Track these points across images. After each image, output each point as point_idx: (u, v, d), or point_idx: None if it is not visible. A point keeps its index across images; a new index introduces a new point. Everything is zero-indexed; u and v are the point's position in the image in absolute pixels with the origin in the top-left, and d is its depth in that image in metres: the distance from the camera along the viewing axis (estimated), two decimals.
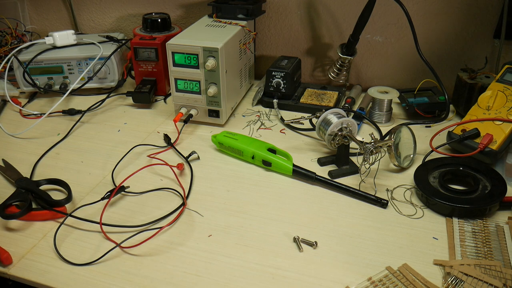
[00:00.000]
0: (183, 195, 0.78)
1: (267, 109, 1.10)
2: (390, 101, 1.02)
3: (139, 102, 1.10)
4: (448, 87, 1.05)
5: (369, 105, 1.06)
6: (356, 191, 0.77)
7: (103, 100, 1.12)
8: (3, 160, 0.88)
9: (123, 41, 1.23)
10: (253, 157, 0.86)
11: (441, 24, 1.10)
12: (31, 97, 1.16)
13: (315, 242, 0.67)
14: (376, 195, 0.76)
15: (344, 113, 0.87)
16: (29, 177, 0.83)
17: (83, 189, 0.80)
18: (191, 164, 0.87)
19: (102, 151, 0.92)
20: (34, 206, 0.74)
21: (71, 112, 1.07)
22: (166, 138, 0.95)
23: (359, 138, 0.83)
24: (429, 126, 1.01)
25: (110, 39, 1.23)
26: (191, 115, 1.00)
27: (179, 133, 0.96)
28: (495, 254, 0.64)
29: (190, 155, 0.89)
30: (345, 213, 0.74)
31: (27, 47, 1.16)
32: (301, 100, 1.10)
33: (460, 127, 0.88)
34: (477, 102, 0.90)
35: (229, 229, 0.71)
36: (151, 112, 1.09)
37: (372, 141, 0.78)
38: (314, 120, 0.98)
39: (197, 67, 0.94)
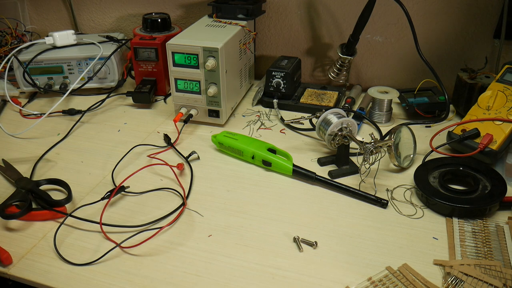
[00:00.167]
0: (183, 195, 0.78)
1: (267, 109, 1.10)
2: (390, 101, 1.02)
3: (139, 102, 1.10)
4: (448, 87, 1.05)
5: (369, 105, 1.06)
6: (356, 191, 0.77)
7: (103, 100, 1.12)
8: (3, 160, 0.88)
9: (123, 41, 1.23)
10: (253, 157, 0.86)
11: (441, 24, 1.10)
12: (31, 97, 1.16)
13: (315, 242, 0.67)
14: (376, 195, 0.76)
15: (344, 113, 0.87)
16: (29, 177, 0.83)
17: (83, 189, 0.80)
18: (191, 164, 0.87)
19: (102, 151, 0.92)
20: (34, 206, 0.74)
21: (71, 112, 1.07)
22: (166, 138, 0.95)
23: (359, 138, 0.83)
24: (429, 126, 1.01)
25: (110, 39, 1.23)
26: (191, 115, 1.00)
27: (179, 133, 0.96)
28: (495, 254, 0.64)
29: (190, 155, 0.89)
30: (345, 213, 0.74)
31: (27, 47, 1.16)
32: (301, 100, 1.10)
33: (460, 127, 0.88)
34: (477, 102, 0.90)
35: (229, 229, 0.71)
36: (151, 112, 1.09)
37: (372, 141, 0.78)
38: (314, 120, 0.98)
39: (197, 67, 0.94)
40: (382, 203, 0.75)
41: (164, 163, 0.85)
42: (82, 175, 0.84)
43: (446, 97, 1.01)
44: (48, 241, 0.68)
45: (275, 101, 1.08)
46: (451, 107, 1.06)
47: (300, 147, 0.94)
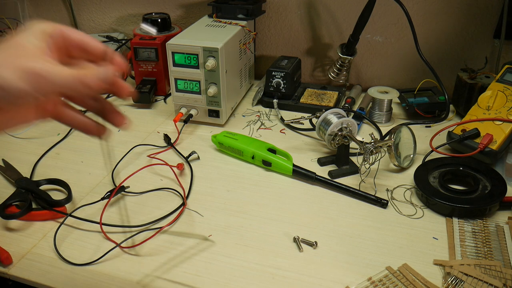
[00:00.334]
0: (183, 195, 0.78)
1: (267, 109, 1.10)
2: (390, 101, 1.02)
3: (139, 102, 1.10)
4: (448, 87, 1.05)
5: (369, 105, 1.06)
6: (356, 191, 0.77)
7: None
8: (3, 160, 0.88)
9: (123, 41, 1.23)
10: (253, 157, 0.86)
11: (441, 24, 1.10)
12: None
13: (315, 242, 0.67)
14: (376, 195, 0.76)
15: (344, 113, 0.87)
16: (29, 177, 0.83)
17: (83, 189, 0.80)
18: (191, 164, 0.87)
19: (102, 151, 0.92)
20: (34, 206, 0.74)
21: None
22: (166, 138, 0.95)
23: (359, 138, 0.83)
24: (429, 126, 1.01)
25: (110, 39, 1.23)
26: (191, 115, 1.00)
27: (179, 133, 0.96)
28: (495, 254, 0.64)
29: (190, 155, 0.89)
30: (345, 213, 0.74)
31: None
32: (301, 100, 1.10)
33: (460, 127, 0.88)
34: (477, 102, 0.90)
35: (229, 229, 0.71)
36: (151, 112, 1.09)
37: (372, 141, 0.78)
38: (314, 120, 0.98)
39: (197, 67, 0.94)
40: (382, 203, 0.75)
41: (164, 163, 0.85)
42: (82, 175, 0.84)
43: (446, 97, 1.01)
44: (48, 241, 0.68)
45: (275, 101, 1.08)
46: (451, 107, 1.06)
47: (300, 147, 0.94)
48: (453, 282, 0.59)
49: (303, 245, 0.67)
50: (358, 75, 1.23)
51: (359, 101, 1.12)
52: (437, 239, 0.68)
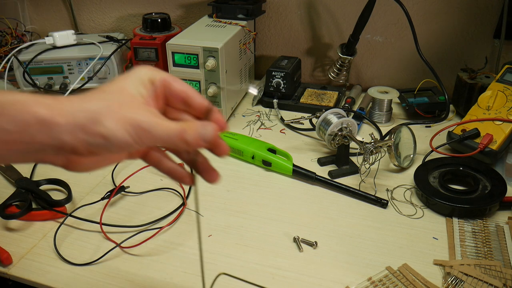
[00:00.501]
0: (183, 195, 0.78)
1: (267, 109, 1.10)
2: (390, 101, 1.02)
3: None
4: (448, 87, 1.05)
5: (369, 105, 1.06)
6: (356, 191, 0.77)
7: None
8: None
9: (123, 41, 1.23)
10: (253, 157, 0.86)
11: (441, 24, 1.10)
12: None
13: (315, 242, 0.67)
14: (376, 195, 0.76)
15: (344, 113, 0.87)
16: (29, 177, 0.83)
17: (83, 189, 0.80)
18: None
19: None
20: (34, 206, 0.74)
21: None
22: None
23: (359, 138, 0.83)
24: (429, 126, 1.01)
25: (110, 39, 1.23)
26: None
27: None
28: (495, 254, 0.64)
29: None
30: (345, 213, 0.74)
31: (27, 47, 1.16)
32: (301, 100, 1.10)
33: (460, 127, 0.88)
34: (477, 102, 0.90)
35: (229, 229, 0.71)
36: None
37: (372, 141, 0.78)
38: (314, 120, 0.98)
39: (197, 67, 0.94)
40: (382, 203, 0.75)
41: None
42: (82, 175, 0.84)
43: (446, 97, 1.01)
44: (48, 241, 0.68)
45: (275, 101, 1.08)
46: (451, 107, 1.06)
47: (300, 147, 0.94)
48: (453, 282, 0.59)
49: (303, 245, 0.67)
50: (358, 75, 1.23)
51: (359, 101, 1.12)
52: (437, 239, 0.68)
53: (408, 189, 0.80)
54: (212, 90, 0.94)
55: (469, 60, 1.10)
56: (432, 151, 0.87)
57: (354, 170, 0.84)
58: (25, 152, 0.35)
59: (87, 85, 1.13)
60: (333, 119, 0.84)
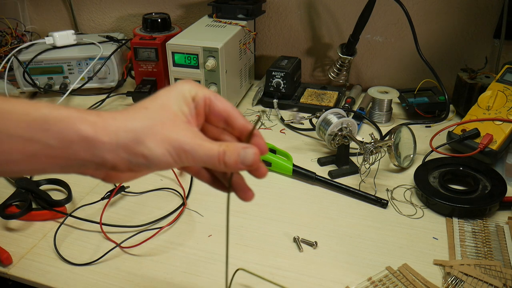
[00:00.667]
0: (183, 195, 0.78)
1: (267, 109, 1.10)
2: (390, 101, 1.02)
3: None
4: (448, 87, 1.05)
5: (369, 105, 1.06)
6: (356, 191, 0.77)
7: (103, 100, 1.12)
8: None
9: (123, 41, 1.23)
10: None
11: (441, 24, 1.10)
12: (31, 97, 1.16)
13: (315, 242, 0.67)
14: (376, 195, 0.76)
15: (344, 113, 0.87)
16: (29, 177, 0.83)
17: (83, 189, 0.80)
18: None
19: None
20: (34, 206, 0.74)
21: None
22: None
23: (359, 138, 0.83)
24: (429, 126, 1.01)
25: (110, 39, 1.23)
26: None
27: None
28: (495, 254, 0.64)
29: None
30: (345, 213, 0.74)
31: (27, 47, 1.16)
32: (301, 100, 1.10)
33: (460, 127, 0.88)
34: (477, 102, 0.90)
35: (229, 229, 0.70)
36: None
37: (372, 141, 0.78)
38: (314, 120, 0.98)
39: (197, 67, 0.94)
40: (382, 203, 0.75)
41: None
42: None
43: (446, 97, 1.01)
44: (48, 241, 0.68)
45: (275, 101, 1.08)
46: (451, 107, 1.06)
47: (300, 147, 0.94)
48: (453, 282, 0.59)
49: (303, 245, 0.67)
50: (358, 75, 1.23)
51: (359, 101, 1.12)
52: (437, 239, 0.68)
53: (408, 189, 0.80)
54: (212, 90, 0.94)
55: (469, 60, 1.10)
56: (432, 151, 0.87)
57: (354, 170, 0.84)
58: (67, 166, 0.36)
59: (87, 85, 1.13)
60: (333, 119, 0.84)
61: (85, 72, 1.11)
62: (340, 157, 0.85)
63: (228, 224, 0.47)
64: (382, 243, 0.67)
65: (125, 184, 0.78)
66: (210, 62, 0.91)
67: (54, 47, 1.14)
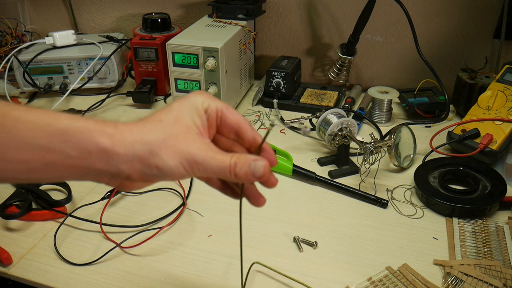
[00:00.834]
0: (183, 195, 0.78)
1: (267, 109, 1.10)
2: (390, 101, 1.02)
3: (139, 102, 1.10)
4: (448, 87, 1.05)
5: (369, 105, 1.06)
6: (356, 191, 0.77)
7: (103, 100, 1.12)
8: None
9: (123, 41, 1.23)
10: None
11: (441, 24, 1.10)
12: (31, 97, 1.16)
13: (315, 242, 0.67)
14: (376, 195, 0.76)
15: (344, 113, 0.87)
16: None
17: (83, 189, 0.80)
18: None
19: None
20: (34, 206, 0.74)
21: (71, 112, 1.07)
22: None
23: (359, 138, 0.83)
24: (429, 126, 1.01)
25: (110, 39, 1.23)
26: None
27: None
28: (495, 254, 0.64)
29: None
30: (345, 213, 0.74)
31: (27, 47, 1.16)
32: (301, 100, 1.10)
33: (460, 127, 0.88)
34: (477, 102, 0.90)
35: (229, 229, 0.70)
36: (151, 112, 1.09)
37: (372, 141, 0.78)
38: (314, 120, 0.98)
39: (197, 67, 0.94)
40: (382, 203, 0.75)
41: None
42: None
43: (446, 97, 1.01)
44: (48, 241, 0.68)
45: (275, 101, 1.08)
46: (451, 107, 1.06)
47: (300, 147, 0.94)
48: (453, 282, 0.59)
49: (303, 245, 0.67)
50: (358, 75, 1.23)
51: (359, 101, 1.12)
52: (437, 239, 0.68)
53: (408, 189, 0.80)
54: (212, 90, 0.94)
55: (469, 60, 1.10)
56: (432, 151, 0.87)
57: (354, 170, 0.84)
58: (84, 174, 0.38)
59: (87, 85, 1.13)
60: (333, 119, 0.84)
61: (85, 72, 1.11)
62: (340, 157, 0.85)
63: (241, 229, 0.50)
64: (382, 243, 0.67)
65: None
66: (210, 62, 0.91)
67: (54, 47, 1.14)
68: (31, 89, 1.14)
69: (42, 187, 0.79)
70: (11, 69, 1.10)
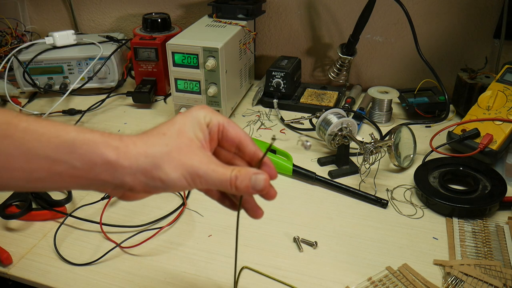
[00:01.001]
0: (183, 195, 0.78)
1: (267, 109, 1.10)
2: (390, 101, 1.02)
3: (139, 102, 1.10)
4: (448, 87, 1.05)
5: (369, 105, 1.06)
6: (356, 191, 0.77)
7: (103, 100, 1.12)
8: None
9: (123, 41, 1.23)
10: None
11: (441, 24, 1.10)
12: (31, 97, 1.16)
13: (315, 242, 0.67)
14: (376, 195, 0.76)
15: (344, 113, 0.87)
16: None
17: None
18: None
19: None
20: (34, 206, 0.74)
21: (71, 112, 1.07)
22: None
23: (359, 138, 0.83)
24: (429, 126, 1.01)
25: (110, 39, 1.23)
26: None
27: None
28: (495, 254, 0.64)
29: None
30: (345, 213, 0.74)
31: (27, 47, 1.16)
32: (301, 100, 1.10)
33: (460, 127, 0.88)
34: (477, 102, 0.90)
35: (229, 229, 0.70)
36: (151, 112, 1.09)
37: (372, 141, 0.78)
38: (314, 120, 0.98)
39: (197, 67, 0.94)
40: (382, 203, 0.75)
41: None
42: None
43: (446, 97, 1.01)
44: (48, 241, 0.68)
45: (275, 101, 1.08)
46: (451, 107, 1.06)
47: (300, 147, 0.94)
48: (453, 282, 0.59)
49: (303, 245, 0.67)
50: (358, 75, 1.23)
51: (359, 101, 1.12)
52: (437, 239, 0.68)
53: (408, 189, 0.80)
54: (212, 90, 0.94)
55: (469, 60, 1.10)
56: (432, 151, 0.87)
57: (354, 170, 0.84)
58: (88, 185, 0.39)
59: (87, 85, 1.13)
60: (333, 119, 0.84)
61: (85, 72, 1.11)
62: (340, 157, 0.85)
63: (237, 239, 0.50)
64: (382, 243, 0.67)
65: None
66: (210, 62, 0.91)
67: (54, 47, 1.14)
68: (31, 89, 1.14)
69: None
70: (11, 69, 1.10)
